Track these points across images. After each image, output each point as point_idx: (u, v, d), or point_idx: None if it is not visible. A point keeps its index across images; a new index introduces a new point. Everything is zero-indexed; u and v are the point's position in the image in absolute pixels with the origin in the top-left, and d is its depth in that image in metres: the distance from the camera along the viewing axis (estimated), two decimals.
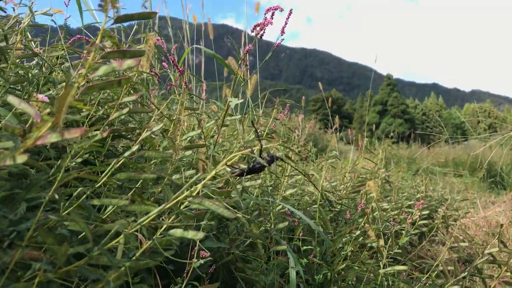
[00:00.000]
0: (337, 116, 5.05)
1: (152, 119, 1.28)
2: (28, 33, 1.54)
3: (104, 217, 0.89)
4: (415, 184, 4.10)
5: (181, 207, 0.76)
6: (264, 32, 1.06)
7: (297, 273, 1.34)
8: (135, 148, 0.83)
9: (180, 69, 1.21)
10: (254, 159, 0.91)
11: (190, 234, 0.73)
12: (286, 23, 1.10)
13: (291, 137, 2.34)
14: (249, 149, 0.82)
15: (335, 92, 74.50)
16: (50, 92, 1.31)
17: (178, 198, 0.73)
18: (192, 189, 0.74)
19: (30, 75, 1.30)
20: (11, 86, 1.21)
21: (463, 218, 3.82)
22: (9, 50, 1.22)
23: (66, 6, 1.81)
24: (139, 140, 0.90)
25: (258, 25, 1.06)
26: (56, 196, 0.74)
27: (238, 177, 0.93)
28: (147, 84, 1.45)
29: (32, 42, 1.51)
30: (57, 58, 1.50)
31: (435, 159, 9.95)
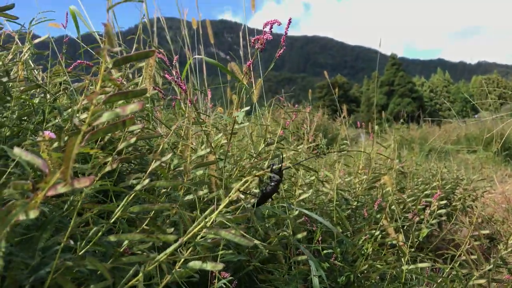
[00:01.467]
0: (344, 105, 5.01)
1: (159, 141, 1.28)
2: (30, 61, 1.54)
3: (121, 250, 0.89)
4: (430, 168, 4.06)
5: (198, 237, 0.76)
6: (264, 46, 1.05)
7: (320, 277, 1.33)
8: (146, 181, 0.82)
9: (184, 87, 1.20)
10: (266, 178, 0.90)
11: (209, 266, 0.72)
12: (286, 33, 1.08)
13: (300, 133, 2.33)
14: (261, 172, 0.80)
15: (340, 77, 74.11)
16: (56, 120, 1.30)
17: (194, 231, 0.72)
18: (207, 219, 0.73)
19: (34, 106, 1.30)
20: (16, 122, 1.21)
21: (481, 198, 3.77)
22: (12, 86, 1.21)
23: (64, 27, 1.81)
24: (149, 171, 0.89)
25: (258, 39, 1.05)
26: (71, 242, 0.73)
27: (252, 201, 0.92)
28: (152, 101, 1.44)
29: (35, 70, 1.50)
30: (60, 84, 1.49)
31: (447, 137, 9.86)
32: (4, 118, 1.32)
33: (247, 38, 3.52)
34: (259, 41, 1.04)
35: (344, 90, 69.93)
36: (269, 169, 0.90)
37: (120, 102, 1.32)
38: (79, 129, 0.60)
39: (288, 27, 1.09)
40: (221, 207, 0.75)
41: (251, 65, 1.18)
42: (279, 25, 1.02)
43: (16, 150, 0.63)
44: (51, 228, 0.89)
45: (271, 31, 1.03)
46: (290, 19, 1.09)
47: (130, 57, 0.61)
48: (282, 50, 1.13)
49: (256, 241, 0.92)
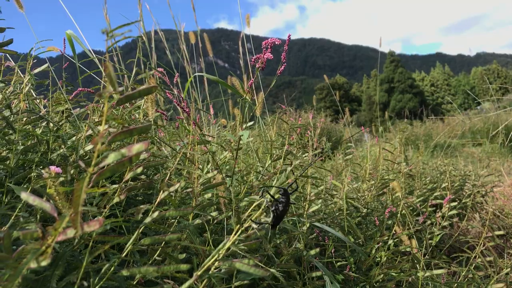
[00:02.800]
0: (346, 108, 5.00)
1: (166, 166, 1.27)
2: (31, 91, 1.54)
3: (134, 283, 0.88)
4: (437, 166, 4.04)
5: (212, 269, 0.75)
6: (264, 65, 1.04)
7: None
8: (155, 214, 0.81)
9: (188, 111, 1.19)
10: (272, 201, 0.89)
11: None
12: (285, 49, 1.07)
13: (305, 140, 2.31)
14: (272, 201, 0.79)
15: (340, 78, 74.14)
16: (61, 150, 1.30)
17: (208, 264, 0.71)
18: (220, 252, 0.72)
19: (38, 136, 1.29)
20: (22, 157, 1.20)
21: (490, 192, 3.74)
22: (15, 119, 1.21)
23: (63, 53, 1.81)
24: (157, 201, 0.88)
25: (258, 58, 1.04)
26: (85, 284, 0.72)
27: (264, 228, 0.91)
28: (155, 123, 1.43)
29: (36, 100, 1.50)
30: (62, 112, 1.49)
31: (451, 131, 9.82)
32: (8, 151, 1.31)
33: (245, 46, 3.53)
34: (259, 60, 1.03)
35: (345, 90, 69.99)
36: (278, 193, 0.89)
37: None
38: (85, 170, 0.59)
39: (288, 43, 1.08)
40: (232, 239, 0.74)
41: (254, 94, 1.17)
42: (279, 43, 1.01)
43: (24, 195, 0.63)
44: (63, 265, 0.88)
45: (271, 50, 1.02)
46: (289, 35, 1.08)
47: (132, 95, 0.61)
48: (283, 67, 1.12)
49: (272, 270, 0.91)
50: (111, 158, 0.60)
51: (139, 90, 0.62)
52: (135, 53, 1.79)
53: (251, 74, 1.18)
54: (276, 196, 0.88)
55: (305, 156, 2.31)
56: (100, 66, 1.86)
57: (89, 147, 1.17)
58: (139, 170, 0.92)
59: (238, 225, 0.80)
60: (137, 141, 1.23)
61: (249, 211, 0.79)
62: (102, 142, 0.60)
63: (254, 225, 0.77)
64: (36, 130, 1.41)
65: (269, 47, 1.01)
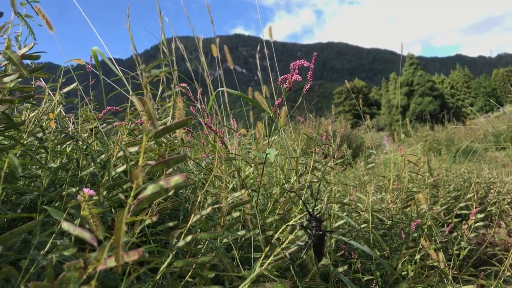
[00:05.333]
0: (368, 116, 4.97)
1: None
2: (61, 110, 1.58)
3: None
4: (460, 173, 3.98)
5: None
6: (291, 86, 1.05)
7: None
8: (188, 238, 0.83)
9: (214, 129, 1.21)
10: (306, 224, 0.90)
11: None
12: (311, 69, 1.08)
13: (326, 150, 2.32)
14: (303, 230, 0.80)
15: (358, 81, 73.70)
16: (91, 168, 1.33)
17: None
18: (252, 276, 0.73)
19: (68, 155, 1.33)
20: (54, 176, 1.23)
21: None
22: (47, 139, 1.24)
23: (89, 70, 1.85)
24: (189, 225, 0.90)
25: (285, 78, 1.05)
26: None
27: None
28: (182, 140, 1.45)
29: (65, 119, 1.54)
30: (91, 130, 1.52)
31: (473, 135, 9.67)
32: (40, 169, 1.35)
33: (261, 51, 3.54)
34: (287, 81, 1.04)
35: (363, 94, 69.52)
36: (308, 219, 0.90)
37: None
38: (125, 202, 0.61)
39: (314, 62, 1.09)
40: (265, 265, 0.75)
41: (279, 112, 1.19)
42: (307, 65, 1.02)
43: (65, 224, 0.65)
44: (97, 286, 0.90)
45: (298, 71, 1.03)
46: (315, 55, 1.09)
47: (169, 127, 0.62)
48: (309, 85, 1.13)
49: None
50: (150, 190, 0.61)
51: (175, 123, 0.64)
52: (154, 59, 1.82)
53: (273, 85, 1.19)
54: (306, 223, 0.89)
55: (327, 168, 2.31)
56: (125, 81, 1.89)
57: (120, 169, 1.20)
58: (171, 193, 0.94)
59: (268, 248, 0.81)
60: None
61: (279, 232, 0.80)
62: (142, 174, 0.61)
63: (287, 254, 0.78)
64: (65, 147, 1.45)
65: (296, 68, 1.02)
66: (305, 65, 1.01)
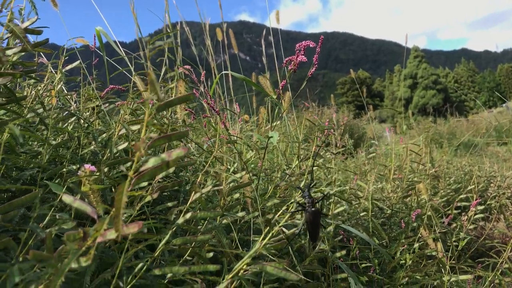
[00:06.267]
0: (370, 104, 4.96)
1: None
2: (63, 87, 1.57)
3: (165, 282, 0.90)
4: (461, 166, 3.98)
5: (241, 271, 0.75)
6: (297, 67, 1.04)
7: None
8: (188, 215, 0.82)
9: (217, 111, 1.20)
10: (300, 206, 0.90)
11: None
12: (317, 52, 1.07)
13: (328, 138, 2.31)
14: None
15: (362, 72, 73.38)
16: (92, 147, 1.32)
17: (239, 267, 0.72)
18: (251, 253, 0.73)
19: (69, 133, 1.32)
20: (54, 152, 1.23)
21: None
22: (47, 116, 1.24)
23: (92, 50, 1.84)
24: (189, 203, 0.89)
25: (290, 60, 1.04)
26: (121, 284, 0.74)
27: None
28: (184, 122, 1.44)
29: (67, 97, 1.53)
30: (93, 109, 1.52)
31: (475, 130, 9.64)
32: (41, 146, 1.34)
33: (266, 38, 3.51)
34: (292, 62, 1.03)
35: (367, 85, 69.28)
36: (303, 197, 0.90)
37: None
38: (125, 175, 0.60)
39: (320, 45, 1.08)
40: (263, 241, 0.74)
41: (283, 96, 1.18)
42: (313, 46, 1.01)
43: (65, 197, 0.65)
44: (95, 260, 0.90)
45: (304, 53, 1.02)
46: (322, 38, 1.08)
47: (172, 101, 0.62)
48: (314, 68, 1.12)
49: (302, 277, 0.91)
50: (151, 162, 0.61)
51: (178, 97, 0.63)
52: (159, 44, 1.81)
53: (279, 73, 1.18)
54: (302, 201, 0.88)
55: (328, 155, 2.31)
56: (127, 61, 1.88)
57: (122, 146, 1.19)
58: (172, 170, 0.93)
59: (268, 228, 0.80)
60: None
61: (278, 214, 0.80)
62: (144, 147, 0.61)
63: (285, 230, 0.77)
64: (67, 125, 1.44)
65: (302, 49, 1.01)
66: (310, 45, 1.00)
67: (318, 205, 0.95)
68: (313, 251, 1.29)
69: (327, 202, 1.63)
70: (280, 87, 1.12)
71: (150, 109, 0.60)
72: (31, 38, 1.35)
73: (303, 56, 1.01)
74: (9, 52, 0.90)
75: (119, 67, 1.76)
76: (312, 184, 1.00)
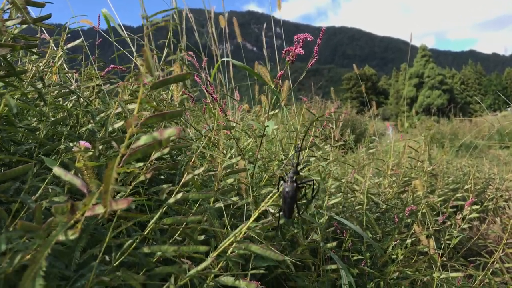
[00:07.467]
0: (374, 101, 4.94)
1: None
2: (64, 64, 1.57)
3: (154, 260, 0.90)
4: (460, 167, 3.98)
5: (229, 251, 0.76)
6: (295, 59, 1.04)
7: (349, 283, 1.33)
8: (179, 195, 0.83)
9: (216, 97, 1.20)
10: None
11: (243, 284, 0.72)
12: (318, 44, 1.07)
13: (327, 132, 2.30)
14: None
15: (369, 69, 73.03)
16: (90, 125, 1.33)
17: (224, 246, 0.73)
18: (237, 233, 0.73)
19: (68, 110, 1.32)
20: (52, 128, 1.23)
21: None
22: (46, 92, 1.24)
23: (97, 29, 1.83)
24: (181, 183, 0.90)
25: (288, 50, 1.03)
26: (107, 258, 0.75)
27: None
28: (182, 105, 1.45)
29: (68, 75, 1.53)
30: (93, 88, 1.52)
31: (478, 132, 9.62)
32: (39, 122, 1.35)
33: (275, 30, 3.51)
34: (290, 53, 1.03)
35: (372, 82, 69.00)
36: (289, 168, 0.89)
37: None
38: (117, 152, 0.60)
39: (322, 37, 1.07)
40: (250, 221, 0.75)
41: (281, 84, 1.17)
42: (311, 40, 1.01)
43: (57, 170, 0.65)
44: (86, 237, 0.91)
45: (302, 45, 1.01)
46: (323, 29, 1.08)
47: (168, 80, 0.62)
48: (314, 60, 1.11)
49: (286, 258, 0.92)
50: (143, 140, 0.61)
51: (174, 76, 0.63)
52: (164, 30, 1.80)
53: (278, 64, 1.18)
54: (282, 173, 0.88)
55: (327, 148, 2.31)
56: (130, 44, 1.88)
57: (118, 124, 1.20)
58: (166, 151, 0.93)
59: (256, 211, 0.81)
60: (165, 124, 1.25)
61: (267, 198, 0.80)
62: (135, 124, 0.61)
63: (270, 210, 0.78)
64: (66, 103, 1.45)
65: (300, 41, 1.01)
66: (308, 39, 1.00)
67: (306, 190, 0.94)
68: (305, 241, 1.30)
69: (324, 195, 1.64)
70: (278, 77, 1.12)
71: (145, 87, 0.60)
72: (35, 14, 1.35)
73: (301, 49, 1.00)
74: (9, 23, 0.90)
75: (121, 48, 1.76)
76: (298, 158, 0.98)
